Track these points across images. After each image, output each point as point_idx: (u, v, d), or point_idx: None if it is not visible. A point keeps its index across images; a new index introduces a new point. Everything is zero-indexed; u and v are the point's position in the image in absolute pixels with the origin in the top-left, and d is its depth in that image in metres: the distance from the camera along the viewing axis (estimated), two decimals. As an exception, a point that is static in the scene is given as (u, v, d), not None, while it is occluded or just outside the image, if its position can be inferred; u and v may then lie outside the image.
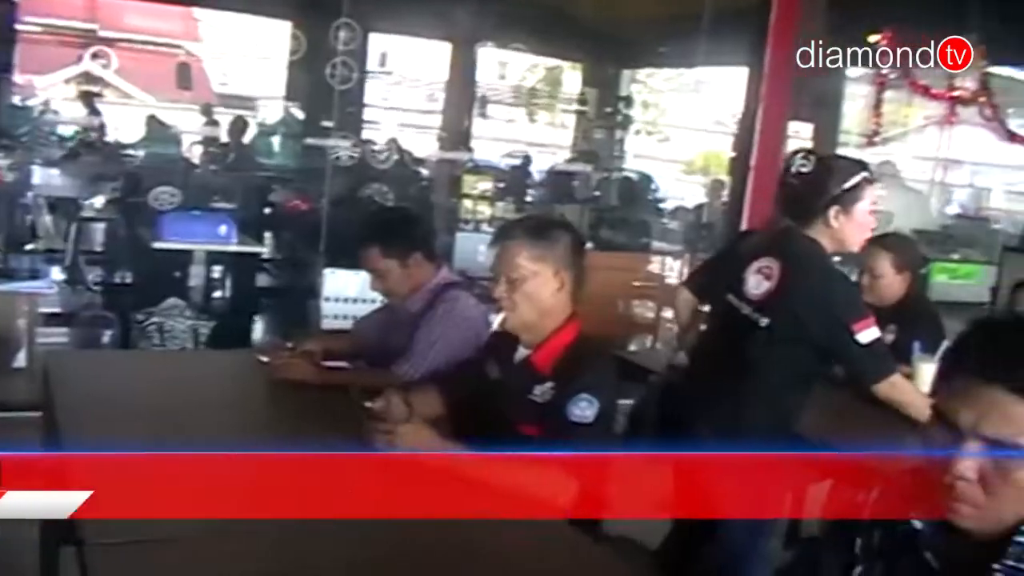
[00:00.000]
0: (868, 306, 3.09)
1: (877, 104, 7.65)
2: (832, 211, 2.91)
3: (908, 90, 7.92)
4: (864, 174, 2.98)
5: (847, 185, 2.91)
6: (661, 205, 11.93)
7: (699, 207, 10.04)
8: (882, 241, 3.93)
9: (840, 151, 10.18)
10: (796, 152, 3.08)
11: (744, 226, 6.48)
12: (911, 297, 3.85)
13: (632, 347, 6.94)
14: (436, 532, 2.02)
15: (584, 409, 2.39)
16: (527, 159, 11.55)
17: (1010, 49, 8.43)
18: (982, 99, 7.52)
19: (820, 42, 6.96)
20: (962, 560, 1.47)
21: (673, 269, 9.24)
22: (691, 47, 8.40)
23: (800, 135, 6.44)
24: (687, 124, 17.32)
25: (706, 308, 3.57)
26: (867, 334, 2.85)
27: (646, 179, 11.90)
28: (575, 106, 12.66)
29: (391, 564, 1.91)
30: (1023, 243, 8.08)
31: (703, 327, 3.50)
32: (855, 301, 2.99)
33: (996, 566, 1.42)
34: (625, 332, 7.19)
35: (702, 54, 8.57)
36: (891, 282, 3.77)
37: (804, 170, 3.05)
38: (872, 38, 7.60)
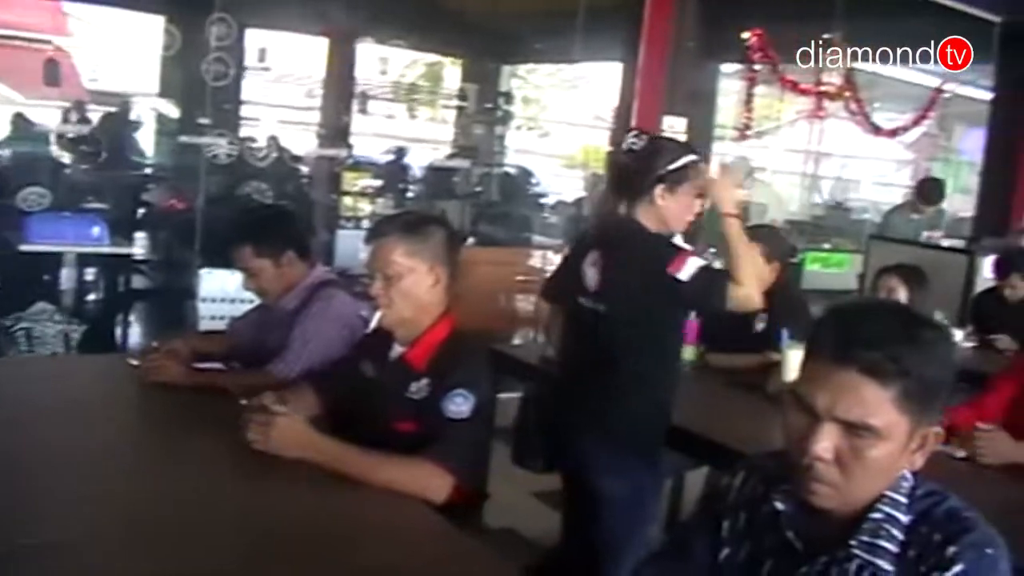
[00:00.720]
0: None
1: (748, 99, 7.85)
2: (658, 189, 2.95)
3: (779, 85, 8.12)
4: (692, 156, 3.02)
5: (674, 166, 2.96)
6: (542, 200, 12.01)
7: (579, 200, 10.15)
8: (751, 233, 4.03)
9: (715, 145, 10.46)
10: (629, 130, 3.11)
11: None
12: (780, 286, 3.96)
13: (516, 340, 6.96)
14: (305, 528, 2.03)
15: (460, 404, 2.40)
16: (407, 155, 11.50)
17: (873, 45, 8.76)
18: (848, 94, 7.79)
19: (693, 39, 7.15)
20: (822, 538, 1.53)
21: (554, 263, 9.32)
22: (569, 43, 8.47)
23: (674, 129, 6.56)
24: (567, 119, 17.46)
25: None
26: (685, 270, 2.82)
27: (526, 174, 11.97)
28: (455, 102, 12.64)
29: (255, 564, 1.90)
30: (882, 224, 8.40)
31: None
32: (662, 247, 2.96)
33: (852, 542, 1.49)
34: (508, 326, 7.21)
35: (579, 50, 8.65)
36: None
37: (635, 148, 3.05)
38: (744, 35, 7.80)
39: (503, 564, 2.05)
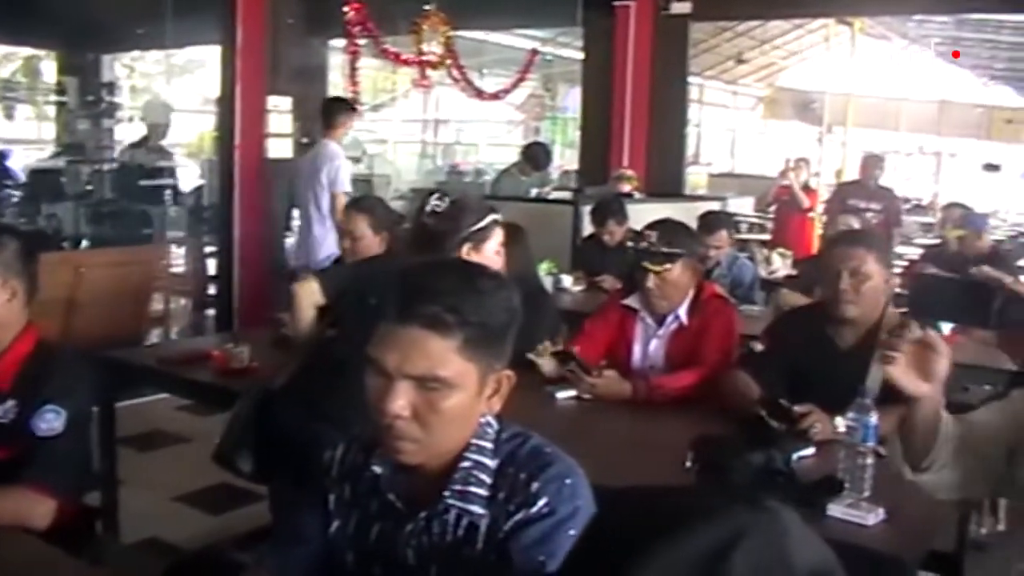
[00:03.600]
0: None
1: (353, 73, 7.89)
2: (465, 248, 3.03)
3: (383, 58, 8.24)
4: (494, 216, 3.14)
5: (479, 225, 3.05)
6: (163, 192, 11.46)
7: (198, 190, 9.80)
8: (357, 205, 4.13)
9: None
10: (431, 193, 3.18)
11: (236, 205, 6.44)
12: (390, 253, 4.04)
13: (150, 341, 6.64)
14: None
15: (52, 421, 2.26)
16: (8, 158, 10.60)
17: (472, 14, 9.09)
18: (449, 62, 8.03)
19: (293, 16, 7.07)
20: (420, 494, 1.57)
21: (180, 257, 8.98)
22: (168, 27, 8.12)
23: (279, 108, 6.47)
24: (183, 107, 16.81)
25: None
26: None
27: (139, 168, 11.39)
28: (55, 97, 11.80)
29: None
30: (493, 186, 8.80)
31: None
32: None
33: (446, 493, 1.54)
34: (137, 329, 6.87)
35: (181, 34, 8.34)
36: (370, 243, 3.94)
37: (439, 210, 3.10)
38: (344, 9, 7.81)
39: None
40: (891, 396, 1.87)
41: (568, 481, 1.52)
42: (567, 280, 5.90)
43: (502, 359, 1.55)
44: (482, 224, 3.08)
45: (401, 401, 1.47)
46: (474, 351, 1.48)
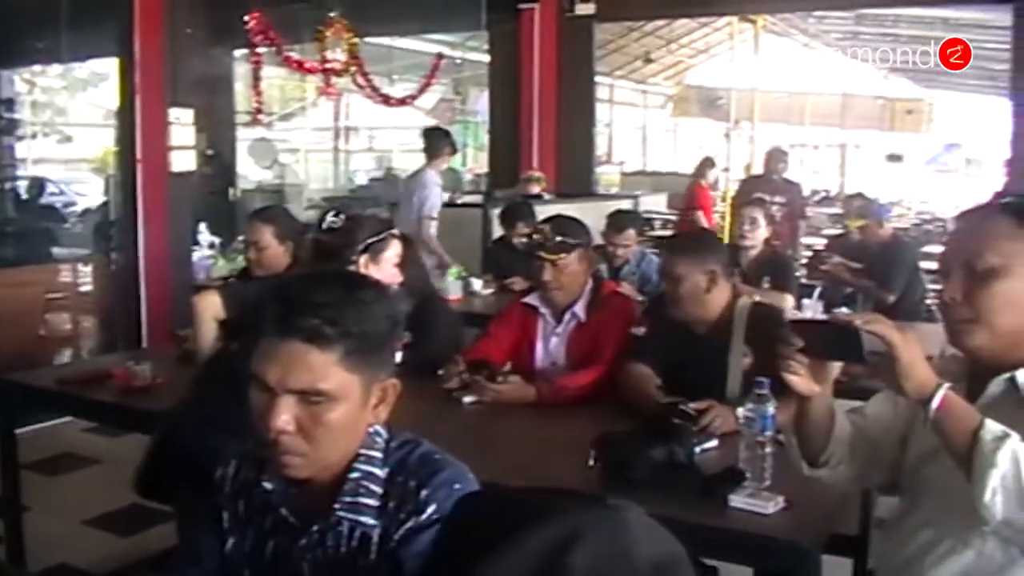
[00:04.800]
0: None
1: (256, 83, 7.81)
2: (363, 260, 3.12)
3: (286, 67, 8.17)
4: (391, 230, 3.25)
5: (376, 238, 3.16)
6: (67, 209, 11.25)
7: (104, 205, 9.59)
8: (262, 215, 4.08)
9: (238, 131, 10.34)
10: (326, 211, 3.24)
11: (140, 220, 6.32)
12: (298, 263, 4.01)
13: (60, 361, 6.49)
14: None
15: None
16: None
17: (378, 20, 9.05)
18: (353, 69, 7.98)
19: (193, 26, 6.96)
20: (313, 508, 1.56)
21: (87, 274, 8.77)
22: (64, 40, 7.93)
23: (182, 120, 6.37)
24: (88, 121, 16.46)
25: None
26: None
27: (40, 184, 11.14)
28: (-53, 116, 11.42)
29: None
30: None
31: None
32: None
33: (336, 505, 1.53)
34: (44, 350, 6.71)
35: (78, 47, 8.15)
36: (276, 252, 3.93)
37: (336, 226, 3.18)
38: (245, 19, 7.73)
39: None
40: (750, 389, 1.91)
41: (457, 487, 1.52)
42: (477, 284, 5.91)
43: (386, 368, 1.55)
44: (379, 236, 3.12)
45: (285, 416, 1.46)
46: (356, 362, 1.48)
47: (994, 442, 1.51)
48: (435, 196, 6.75)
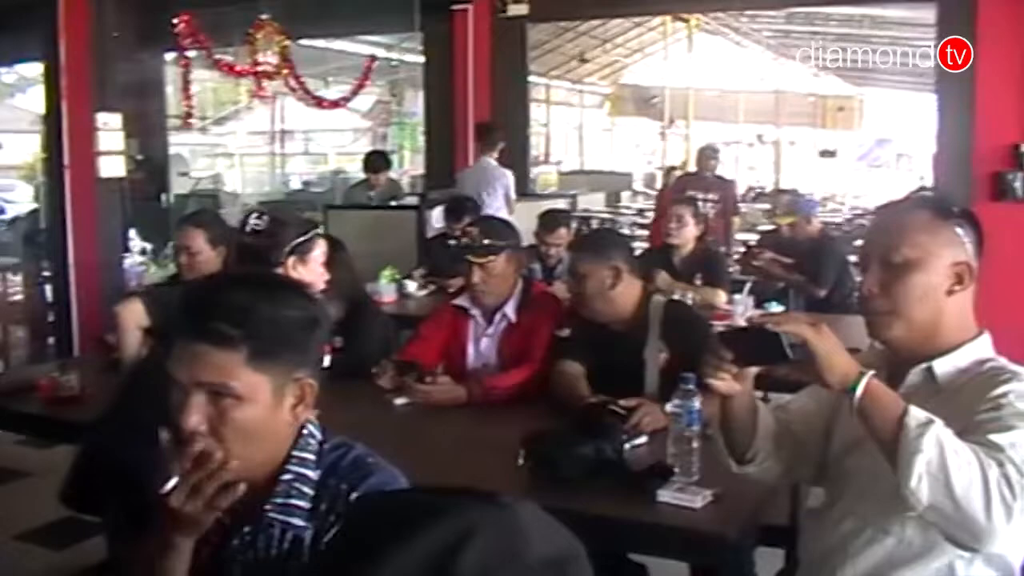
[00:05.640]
0: None
1: (186, 86, 7.72)
2: (290, 261, 3.04)
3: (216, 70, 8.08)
4: (316, 230, 3.20)
5: (302, 239, 3.08)
6: (-3, 217, 11.02)
7: (33, 213, 9.43)
8: (193, 219, 4.03)
9: (170, 136, 10.20)
10: (249, 213, 3.16)
11: (69, 227, 6.24)
12: (227, 267, 3.97)
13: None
14: None
15: None
16: None
17: (310, 22, 8.98)
18: (285, 71, 7.91)
19: (119, 29, 6.86)
20: (245, 509, 1.53)
21: (16, 283, 8.61)
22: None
23: (110, 126, 6.27)
24: (15, 127, 16.17)
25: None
26: None
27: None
28: None
29: None
30: (343, 201, 8.83)
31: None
32: None
33: (267, 507, 1.53)
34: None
35: (5, 52, 7.99)
36: (208, 257, 3.85)
37: (259, 228, 3.07)
38: (174, 21, 7.64)
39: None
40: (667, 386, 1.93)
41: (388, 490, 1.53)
42: (412, 286, 5.88)
43: (303, 368, 1.54)
44: (306, 237, 3.11)
45: (196, 416, 1.46)
46: (263, 363, 1.48)
47: (919, 428, 1.54)
48: (509, 177, 7.32)
